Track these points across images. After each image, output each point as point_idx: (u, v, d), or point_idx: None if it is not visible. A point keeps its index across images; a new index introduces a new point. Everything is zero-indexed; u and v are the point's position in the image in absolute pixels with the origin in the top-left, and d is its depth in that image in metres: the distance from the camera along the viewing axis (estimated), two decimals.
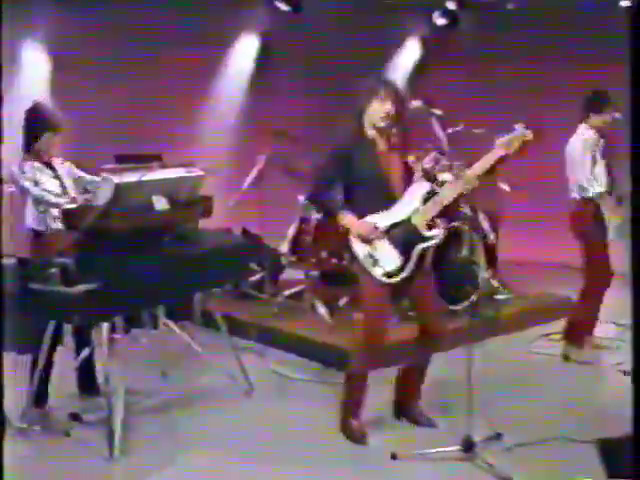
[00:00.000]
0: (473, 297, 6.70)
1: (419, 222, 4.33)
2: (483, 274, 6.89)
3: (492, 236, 6.82)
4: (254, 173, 6.92)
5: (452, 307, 6.42)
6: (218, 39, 8.32)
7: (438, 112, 4.28)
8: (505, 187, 7.05)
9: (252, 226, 7.17)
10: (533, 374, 5.73)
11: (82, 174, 4.98)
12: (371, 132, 4.38)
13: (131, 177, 4.17)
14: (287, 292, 6.89)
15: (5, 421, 4.40)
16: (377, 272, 4.35)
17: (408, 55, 10.05)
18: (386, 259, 4.35)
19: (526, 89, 8.82)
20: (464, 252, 6.68)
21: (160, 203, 4.29)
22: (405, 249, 4.34)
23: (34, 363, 4.75)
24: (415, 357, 4.71)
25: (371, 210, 4.34)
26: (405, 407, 4.79)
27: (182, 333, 5.46)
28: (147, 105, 7.65)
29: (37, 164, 4.73)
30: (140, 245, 4.14)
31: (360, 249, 4.37)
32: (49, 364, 4.79)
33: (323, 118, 8.44)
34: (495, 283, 7.16)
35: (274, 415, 4.98)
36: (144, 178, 4.20)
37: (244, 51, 8.73)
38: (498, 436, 4.48)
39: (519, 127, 4.25)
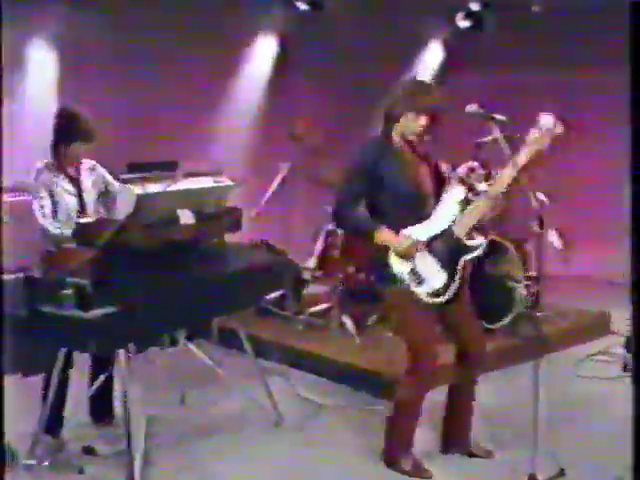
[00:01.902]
0: (510, 315, 6.29)
1: (460, 231, 3.97)
2: (521, 290, 6.45)
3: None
4: (277, 181, 6.45)
5: (488, 326, 5.95)
6: (234, 40, 7.92)
7: (500, 117, 3.82)
8: (543, 198, 6.60)
9: (275, 238, 6.68)
10: (584, 400, 5.30)
11: (112, 183, 4.54)
12: (399, 140, 4.01)
13: (154, 188, 3.72)
14: (313, 309, 6.42)
15: (13, 456, 3.99)
16: (422, 291, 3.96)
17: (430, 58, 9.63)
18: (431, 276, 3.98)
19: (554, 95, 8.39)
20: (502, 267, 6.27)
21: (186, 216, 3.85)
22: (448, 262, 3.98)
23: (46, 387, 4.31)
24: (457, 381, 4.33)
25: (403, 224, 3.97)
26: (456, 438, 4.39)
27: (203, 356, 5.00)
28: (161, 109, 7.19)
29: (57, 177, 4.29)
30: (164, 264, 3.70)
31: (402, 267, 3.96)
32: (63, 387, 4.34)
33: (343, 122, 8.10)
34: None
35: (307, 449, 4.57)
36: (169, 189, 3.75)
37: (261, 52, 8.29)
38: (562, 472, 4.08)
39: (546, 119, 3.84)
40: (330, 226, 6.47)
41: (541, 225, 3.79)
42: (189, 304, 3.86)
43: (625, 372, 5.65)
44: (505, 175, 3.87)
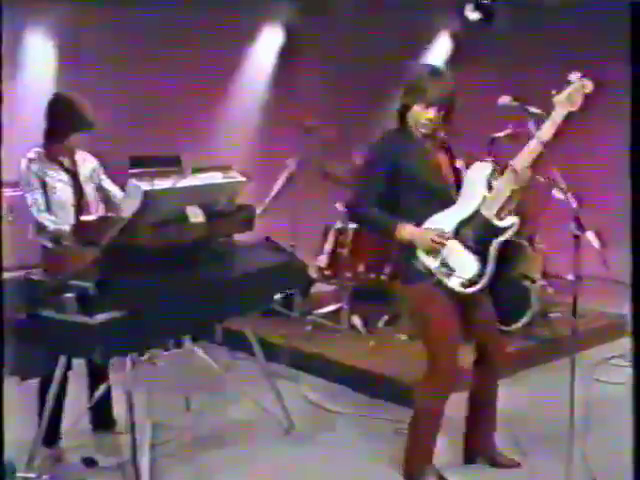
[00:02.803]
0: (526, 317, 6.06)
1: (489, 212, 3.72)
2: (536, 291, 6.21)
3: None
4: (285, 177, 6.19)
5: (503, 328, 5.72)
6: (239, 31, 7.68)
7: (535, 110, 3.56)
8: (559, 195, 6.35)
9: (281, 236, 6.43)
10: (604, 407, 5.00)
11: (108, 186, 4.28)
12: (416, 131, 3.76)
13: (162, 184, 3.46)
14: (322, 310, 6.16)
15: (13, 471, 3.73)
16: (454, 283, 3.71)
17: (438, 51, 9.40)
18: (462, 265, 3.71)
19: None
20: (517, 266, 6.04)
21: (195, 215, 3.60)
22: (479, 247, 3.72)
23: (42, 392, 4.06)
24: (478, 386, 4.08)
25: (426, 218, 3.73)
26: (480, 447, 4.16)
27: (209, 359, 4.75)
28: (163, 102, 6.94)
29: (50, 167, 4.02)
30: (173, 265, 3.46)
31: (431, 261, 3.71)
32: (61, 393, 4.09)
33: (352, 115, 7.86)
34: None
35: (319, 459, 4.32)
36: (178, 185, 3.49)
37: (267, 44, 8.02)
38: None
39: (575, 78, 3.61)
40: (339, 223, 6.21)
41: (579, 226, 3.52)
42: (199, 307, 3.61)
43: None
44: (531, 147, 3.63)
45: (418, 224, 3.71)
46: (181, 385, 4.92)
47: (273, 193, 6.23)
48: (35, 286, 3.48)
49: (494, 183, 3.72)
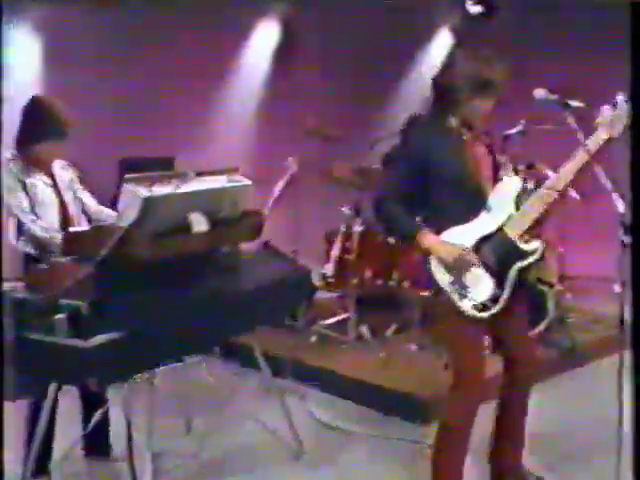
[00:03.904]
0: (543, 324, 5.75)
1: (514, 232, 3.39)
2: (553, 296, 5.90)
3: None
4: (286, 179, 5.83)
5: None
6: (234, 28, 7.31)
7: (575, 103, 3.21)
8: (574, 195, 6.04)
9: (283, 241, 6.08)
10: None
11: (84, 196, 3.92)
12: (455, 122, 3.43)
13: (163, 189, 3.10)
14: (328, 321, 5.80)
15: None
16: (466, 305, 3.38)
17: (438, 46, 9.05)
18: (477, 286, 3.39)
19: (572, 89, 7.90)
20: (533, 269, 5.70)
21: (199, 223, 3.23)
22: (498, 269, 3.39)
23: (31, 420, 3.69)
24: (506, 400, 3.73)
25: (459, 221, 3.40)
26: (506, 466, 3.79)
27: (210, 376, 4.40)
28: (155, 102, 6.59)
29: (30, 168, 3.65)
30: (175, 279, 3.09)
31: (442, 276, 3.40)
32: (52, 418, 3.73)
33: (352, 113, 7.54)
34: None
35: None
36: (179, 190, 3.13)
37: (263, 40, 7.65)
38: None
39: (621, 99, 3.28)
40: (344, 227, 5.87)
41: (627, 230, 3.18)
42: (204, 325, 3.25)
43: None
44: (577, 160, 3.28)
45: (446, 228, 3.39)
46: (181, 406, 4.56)
47: (274, 196, 5.85)
48: (21, 306, 3.09)
49: (525, 202, 3.40)
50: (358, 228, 5.74)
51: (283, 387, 4.77)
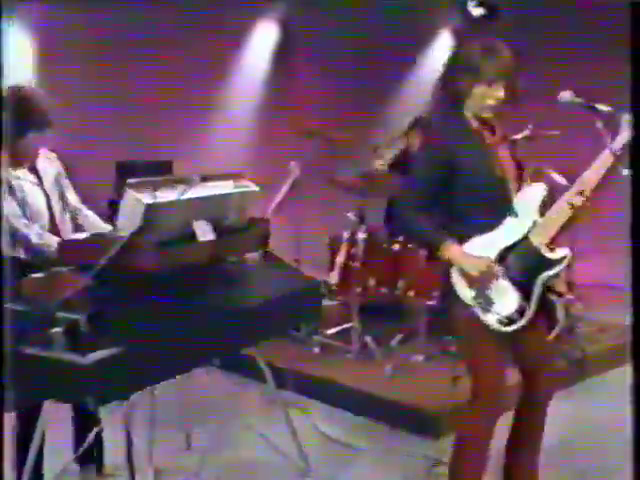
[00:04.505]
0: (552, 334, 5.58)
1: (540, 240, 3.20)
2: (562, 305, 5.74)
3: None
4: (289, 183, 5.65)
5: None
6: (232, 28, 7.15)
7: (603, 107, 3.04)
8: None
9: (284, 248, 5.90)
10: None
11: (69, 193, 3.71)
12: (475, 122, 3.26)
13: (167, 195, 2.91)
14: (331, 330, 5.62)
15: None
16: (490, 319, 3.21)
17: (440, 48, 8.91)
18: (502, 299, 3.20)
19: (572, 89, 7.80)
20: None
21: (204, 231, 3.05)
22: (524, 281, 3.20)
23: (24, 431, 3.50)
24: (521, 415, 3.54)
25: (483, 227, 3.23)
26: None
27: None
28: (151, 103, 6.41)
29: (15, 167, 3.45)
30: (179, 291, 2.90)
31: (465, 288, 3.23)
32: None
33: (353, 114, 7.39)
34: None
35: None
36: (184, 197, 2.94)
37: (261, 41, 7.47)
38: None
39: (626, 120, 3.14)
40: (348, 233, 5.69)
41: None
42: (210, 338, 3.06)
43: None
44: (602, 162, 3.14)
45: (469, 234, 3.22)
46: (178, 418, 4.37)
47: (276, 201, 5.67)
48: (16, 319, 2.89)
49: (552, 208, 3.22)
50: (362, 235, 5.55)
51: (287, 399, 4.58)
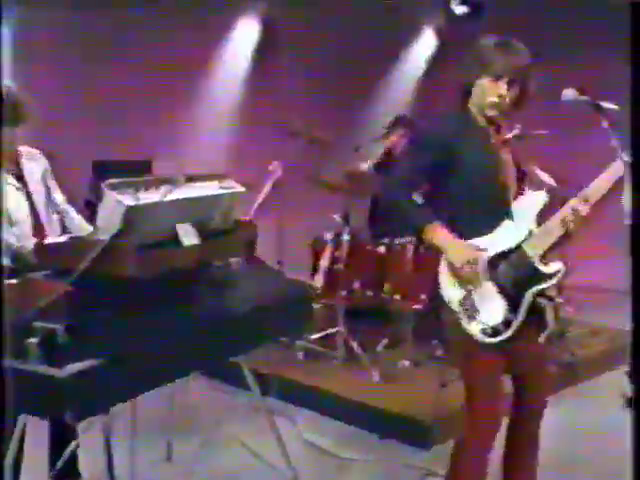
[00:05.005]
0: (541, 338, 5.43)
1: (533, 251, 3.05)
2: (552, 309, 5.59)
3: None
4: (270, 184, 5.49)
5: None
6: (213, 25, 6.95)
7: (608, 105, 2.91)
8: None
9: (266, 251, 5.74)
10: None
11: (56, 194, 3.54)
12: (481, 119, 3.12)
13: (149, 197, 2.74)
14: (315, 335, 5.46)
15: None
16: (474, 328, 3.06)
17: (423, 47, 8.86)
18: (488, 307, 3.05)
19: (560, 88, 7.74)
20: None
21: (188, 235, 2.87)
22: (513, 292, 3.05)
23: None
24: (515, 427, 3.38)
25: (478, 226, 3.08)
26: None
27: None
28: (129, 101, 6.23)
29: None
30: (162, 298, 2.72)
31: (452, 291, 3.08)
32: (19, 454, 3.35)
33: (336, 113, 7.25)
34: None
35: None
36: (167, 198, 2.77)
37: (243, 38, 7.31)
38: None
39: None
40: (331, 235, 5.54)
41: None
42: (196, 347, 2.89)
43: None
44: (613, 171, 2.99)
45: (464, 233, 3.07)
46: (158, 428, 4.21)
47: (258, 202, 5.50)
48: None
49: (551, 218, 3.08)
50: (347, 236, 5.40)
51: (273, 408, 4.41)
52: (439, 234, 3.04)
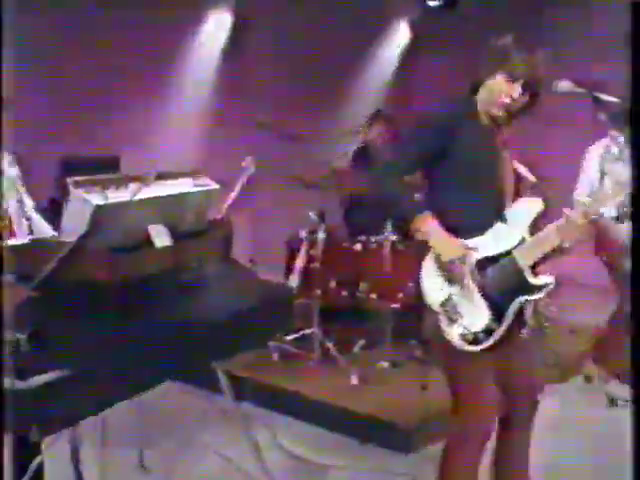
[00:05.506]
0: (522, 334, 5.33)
1: (523, 260, 2.92)
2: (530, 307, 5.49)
3: None
4: (243, 181, 5.31)
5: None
6: (183, 19, 6.78)
7: (606, 97, 2.80)
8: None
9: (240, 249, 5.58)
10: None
11: (26, 198, 3.39)
12: (485, 116, 3.00)
13: (118, 195, 2.57)
14: (290, 336, 5.30)
15: None
16: (454, 333, 2.93)
17: (396, 40, 8.81)
18: (471, 312, 2.93)
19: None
20: None
21: (161, 236, 2.70)
22: (498, 300, 2.93)
23: None
24: (506, 435, 3.25)
25: (468, 226, 2.96)
26: None
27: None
28: (99, 96, 6.03)
29: None
30: (133, 305, 2.55)
31: (435, 291, 2.96)
32: None
33: (308, 107, 7.12)
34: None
35: None
36: (137, 197, 2.60)
37: (214, 32, 7.14)
38: None
39: None
40: (306, 233, 5.39)
41: None
42: (169, 356, 2.72)
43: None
44: (622, 180, 2.86)
45: (455, 230, 2.96)
46: (130, 435, 4.03)
47: (230, 199, 5.32)
48: None
49: (545, 228, 2.96)
50: (322, 234, 5.25)
51: (248, 412, 4.26)
52: (429, 225, 2.92)
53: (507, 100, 2.92)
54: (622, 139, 4.31)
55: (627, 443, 2.63)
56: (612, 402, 4.85)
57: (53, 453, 3.39)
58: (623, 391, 4.76)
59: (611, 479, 3.89)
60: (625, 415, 4.40)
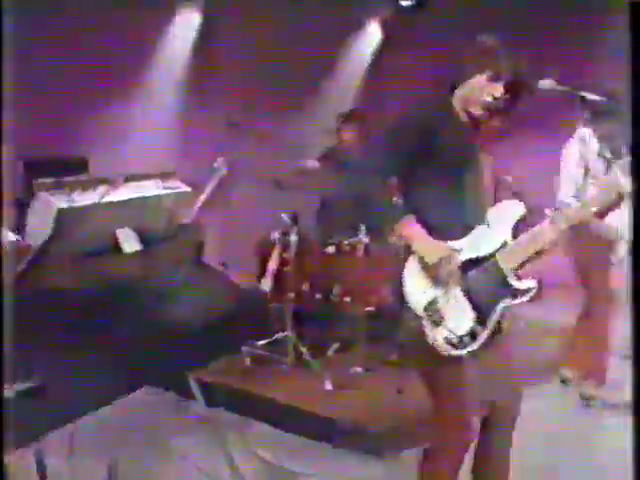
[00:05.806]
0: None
1: (507, 264, 2.88)
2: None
3: None
4: (214, 182, 5.20)
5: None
6: (152, 17, 6.69)
7: (590, 96, 2.76)
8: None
9: (211, 252, 5.49)
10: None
11: None
12: (463, 115, 2.95)
13: (84, 198, 2.47)
14: (263, 341, 5.20)
15: None
16: (439, 337, 2.86)
17: (367, 39, 8.79)
18: (454, 316, 2.87)
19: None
20: None
21: (130, 241, 2.60)
22: (482, 303, 2.88)
23: None
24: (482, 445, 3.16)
25: (449, 228, 2.90)
26: None
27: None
28: (66, 95, 5.90)
29: None
30: (101, 313, 2.45)
31: (417, 294, 2.88)
32: None
33: (278, 107, 7.04)
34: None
35: None
36: (105, 200, 2.50)
37: (182, 31, 7.11)
38: None
39: None
40: (278, 235, 5.30)
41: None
42: (141, 363, 2.62)
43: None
44: (612, 185, 2.80)
45: (434, 232, 2.90)
46: (100, 444, 3.89)
47: (201, 201, 5.21)
48: None
49: (528, 232, 2.93)
50: (294, 237, 5.17)
51: (220, 419, 4.16)
52: (412, 229, 2.87)
53: (489, 99, 2.87)
54: (598, 134, 4.27)
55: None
56: (587, 402, 4.83)
57: (18, 466, 3.28)
58: (597, 391, 4.72)
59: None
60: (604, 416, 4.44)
